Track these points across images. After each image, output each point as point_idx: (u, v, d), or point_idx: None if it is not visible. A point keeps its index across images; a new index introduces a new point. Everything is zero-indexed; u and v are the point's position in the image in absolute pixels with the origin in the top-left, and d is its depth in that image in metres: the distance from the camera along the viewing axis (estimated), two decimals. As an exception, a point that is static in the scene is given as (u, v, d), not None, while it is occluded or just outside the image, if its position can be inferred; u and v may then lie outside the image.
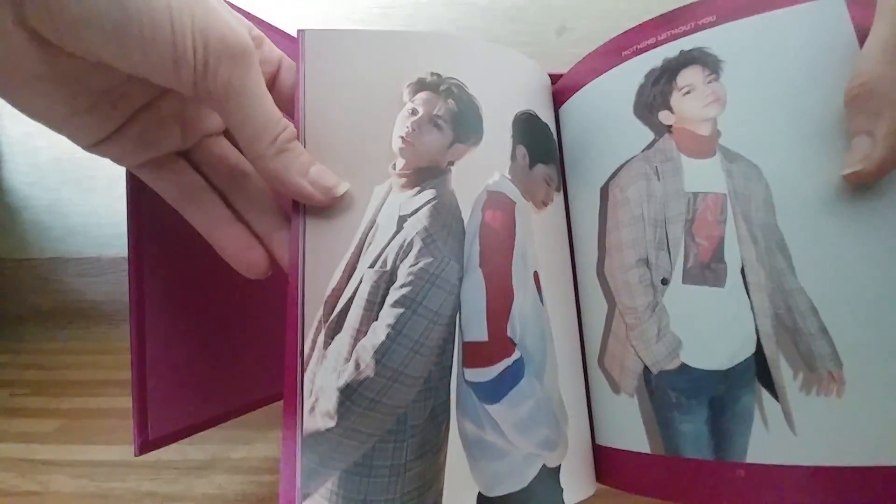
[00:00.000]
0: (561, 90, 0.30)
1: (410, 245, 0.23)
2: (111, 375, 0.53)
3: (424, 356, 0.22)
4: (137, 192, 0.26)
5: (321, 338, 0.22)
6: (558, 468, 0.24)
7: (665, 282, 0.24)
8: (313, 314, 0.22)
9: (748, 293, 0.22)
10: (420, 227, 0.23)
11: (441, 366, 0.22)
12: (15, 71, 0.18)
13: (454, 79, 0.25)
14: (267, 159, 0.21)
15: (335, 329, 0.22)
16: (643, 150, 0.25)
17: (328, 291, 0.22)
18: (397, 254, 0.23)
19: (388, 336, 0.22)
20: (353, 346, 0.22)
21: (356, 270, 0.23)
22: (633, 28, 0.26)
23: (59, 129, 0.20)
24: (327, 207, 0.23)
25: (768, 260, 0.21)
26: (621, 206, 0.26)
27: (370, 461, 0.21)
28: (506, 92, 0.27)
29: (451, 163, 0.24)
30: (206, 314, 0.30)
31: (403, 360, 0.22)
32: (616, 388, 0.25)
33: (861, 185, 0.20)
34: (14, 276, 0.66)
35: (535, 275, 0.25)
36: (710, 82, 0.24)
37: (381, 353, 0.21)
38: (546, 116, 0.29)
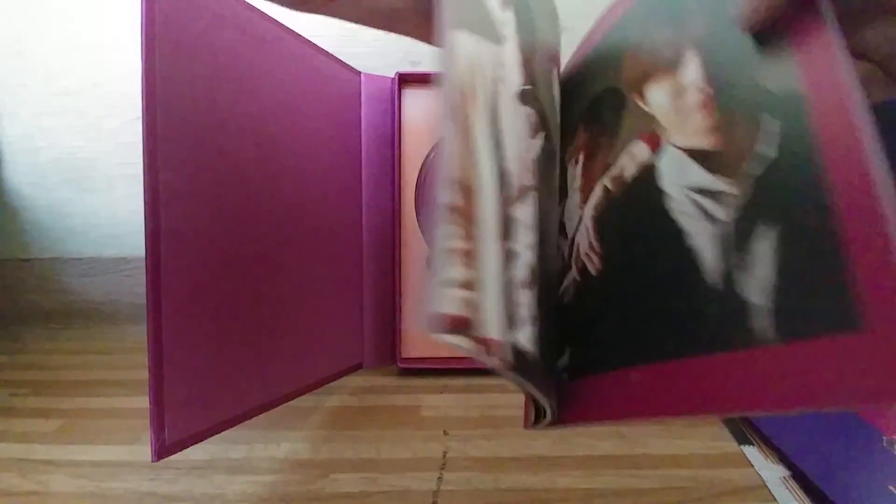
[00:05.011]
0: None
1: None
2: (111, 375, 0.53)
3: None
4: (154, 176, 0.25)
5: None
6: None
7: None
8: None
9: None
10: None
11: None
12: None
13: None
14: None
15: None
16: None
17: None
18: None
19: None
20: None
21: None
22: None
23: None
24: None
25: None
26: None
27: None
28: None
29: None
30: (228, 308, 0.30)
31: None
32: None
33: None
34: (14, 277, 0.66)
35: None
36: None
37: None
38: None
